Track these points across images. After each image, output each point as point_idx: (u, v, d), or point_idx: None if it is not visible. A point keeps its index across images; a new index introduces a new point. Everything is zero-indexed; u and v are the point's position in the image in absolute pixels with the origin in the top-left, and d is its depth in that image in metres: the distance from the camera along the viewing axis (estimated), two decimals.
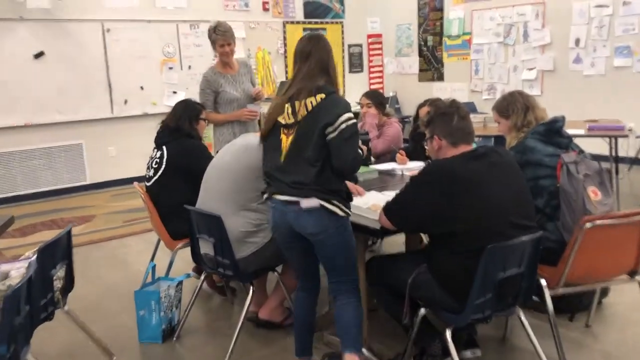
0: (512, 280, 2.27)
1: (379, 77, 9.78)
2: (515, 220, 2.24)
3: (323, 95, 2.30)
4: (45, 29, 6.52)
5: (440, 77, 9.02)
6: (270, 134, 2.41)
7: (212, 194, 2.84)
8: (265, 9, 8.28)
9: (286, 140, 2.33)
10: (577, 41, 7.22)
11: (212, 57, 7.76)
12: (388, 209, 2.38)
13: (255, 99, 4.15)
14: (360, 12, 9.36)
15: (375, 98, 4.16)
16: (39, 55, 6.47)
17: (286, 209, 2.33)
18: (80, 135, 6.92)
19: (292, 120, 2.32)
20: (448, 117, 2.34)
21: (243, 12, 8.07)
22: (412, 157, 3.81)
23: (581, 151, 2.74)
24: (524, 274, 2.31)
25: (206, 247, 2.87)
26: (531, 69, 7.78)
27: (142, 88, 7.19)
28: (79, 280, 3.48)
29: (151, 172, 3.41)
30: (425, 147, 2.47)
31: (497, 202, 2.21)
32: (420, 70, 9.29)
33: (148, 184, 3.43)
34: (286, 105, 2.34)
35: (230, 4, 7.94)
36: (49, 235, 5.15)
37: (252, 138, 2.87)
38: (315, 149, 2.26)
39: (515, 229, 2.23)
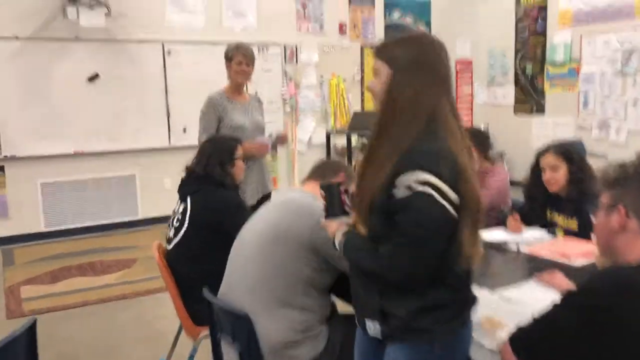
0: None
1: (468, 107, 8.70)
2: None
3: None
4: (101, 50, 5.99)
5: (541, 110, 7.83)
6: None
7: (240, 280, 1.95)
8: (342, 32, 7.48)
9: None
10: None
11: (280, 84, 7.08)
12: (519, 342, 1.39)
13: (274, 141, 3.64)
14: (447, 35, 8.34)
15: (477, 138, 3.15)
16: (93, 77, 5.93)
17: None
18: (133, 166, 6.33)
19: None
20: None
21: (317, 35, 7.30)
22: (526, 221, 2.78)
23: None
24: None
25: (230, 354, 1.98)
26: None
27: None
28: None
29: (171, 233, 2.60)
30: (591, 217, 1.47)
31: None
32: (517, 102, 8.14)
33: (169, 246, 2.61)
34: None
35: (304, 26, 7.20)
36: (80, 283, 4.48)
37: (302, 196, 1.98)
38: None
39: None
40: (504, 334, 1.47)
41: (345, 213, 1.57)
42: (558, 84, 7.59)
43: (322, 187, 1.60)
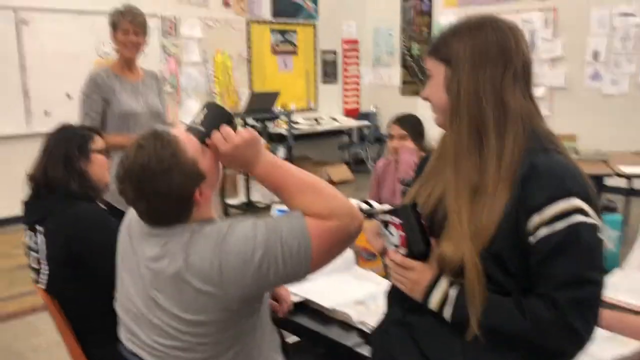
0: None
1: (355, 89, 8.52)
2: None
3: None
4: None
5: None
6: None
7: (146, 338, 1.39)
8: (227, 4, 6.87)
9: None
10: (596, 54, 6.19)
11: (158, 60, 6.34)
12: None
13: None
14: (336, 13, 8.07)
15: (413, 126, 2.85)
16: None
17: None
18: None
19: None
20: None
21: (200, 8, 6.63)
22: None
23: None
24: None
25: None
26: (539, 86, 6.71)
27: (69, 96, 5.64)
28: None
29: (33, 274, 1.93)
30: None
31: None
32: (404, 82, 8.10)
33: (44, 288, 1.95)
34: None
35: None
36: None
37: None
38: None
39: None
40: None
41: (429, 246, 1.12)
42: None
43: (392, 212, 1.14)
